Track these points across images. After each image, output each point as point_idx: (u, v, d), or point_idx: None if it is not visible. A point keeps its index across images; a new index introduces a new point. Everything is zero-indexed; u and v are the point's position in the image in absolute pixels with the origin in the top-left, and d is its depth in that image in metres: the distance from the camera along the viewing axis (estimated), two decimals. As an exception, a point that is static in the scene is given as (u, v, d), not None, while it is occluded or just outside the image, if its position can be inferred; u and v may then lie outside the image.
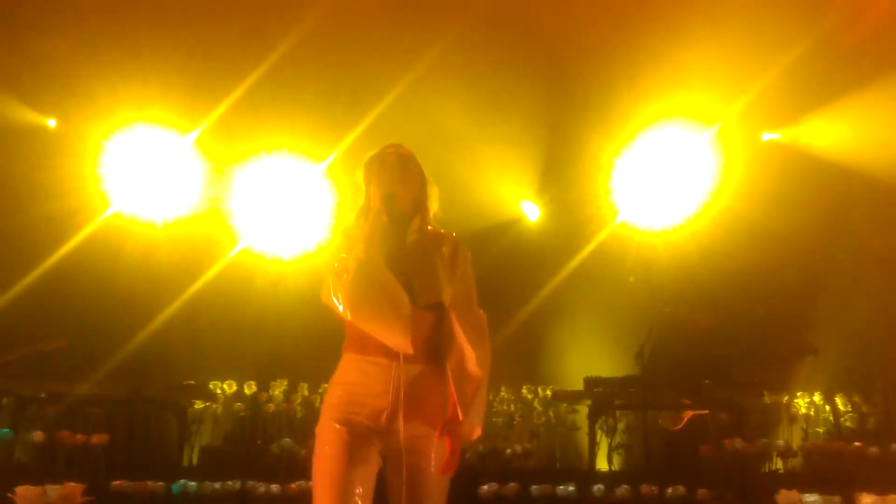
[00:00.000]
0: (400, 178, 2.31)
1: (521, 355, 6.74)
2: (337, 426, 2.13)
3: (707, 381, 5.11)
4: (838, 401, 5.92)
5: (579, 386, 5.72)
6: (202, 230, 6.93)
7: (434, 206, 2.40)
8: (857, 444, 5.16)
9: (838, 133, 6.44)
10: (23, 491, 3.66)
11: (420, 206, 2.35)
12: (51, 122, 6.88)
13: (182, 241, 6.78)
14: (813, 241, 6.39)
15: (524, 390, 6.23)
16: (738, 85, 6.45)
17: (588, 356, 6.52)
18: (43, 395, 4.63)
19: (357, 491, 2.08)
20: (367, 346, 2.16)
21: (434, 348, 2.23)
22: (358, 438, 2.11)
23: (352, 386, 2.16)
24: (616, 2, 6.15)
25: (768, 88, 6.38)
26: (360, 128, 6.12)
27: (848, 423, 5.89)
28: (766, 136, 7.01)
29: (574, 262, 6.86)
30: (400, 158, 2.37)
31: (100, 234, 6.52)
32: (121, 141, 6.85)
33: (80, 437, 4.72)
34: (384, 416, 2.12)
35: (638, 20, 6.01)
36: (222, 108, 6.40)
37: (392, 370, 2.12)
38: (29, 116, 6.65)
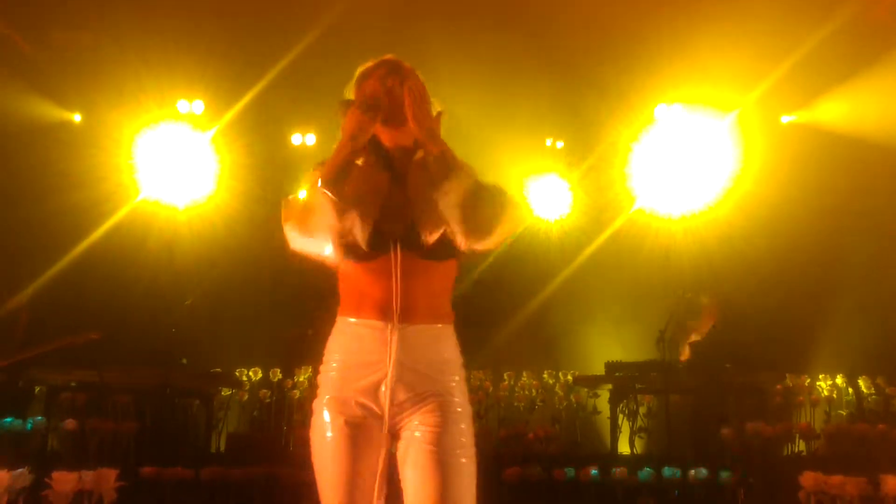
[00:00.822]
0: (387, 90, 1.93)
1: (542, 340, 6.79)
2: (333, 408, 1.90)
3: (728, 365, 5.13)
4: (861, 383, 5.89)
5: (600, 371, 5.77)
6: (224, 216, 6.98)
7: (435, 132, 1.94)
8: (881, 426, 5.08)
9: (858, 111, 6.39)
10: (59, 476, 3.74)
11: (425, 137, 1.91)
12: (76, 117, 6.98)
13: (205, 227, 6.85)
14: (835, 223, 6.36)
15: (545, 375, 6.28)
16: (756, 68, 6.42)
17: (608, 341, 6.55)
18: (73, 384, 4.71)
19: (366, 482, 1.85)
20: (361, 304, 1.89)
21: (444, 306, 1.93)
22: (358, 420, 1.87)
23: (345, 355, 1.91)
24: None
25: (787, 70, 6.35)
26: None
27: (871, 406, 5.84)
28: (786, 119, 6.97)
29: (593, 248, 6.88)
30: (393, 67, 1.97)
31: (123, 223, 6.60)
32: (147, 133, 6.88)
33: (110, 424, 4.81)
34: (381, 392, 1.85)
35: (655, 3, 6.00)
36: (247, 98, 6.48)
37: (387, 333, 1.84)
38: (54, 112, 6.74)
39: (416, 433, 1.87)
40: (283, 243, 1.87)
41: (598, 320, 6.80)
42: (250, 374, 5.99)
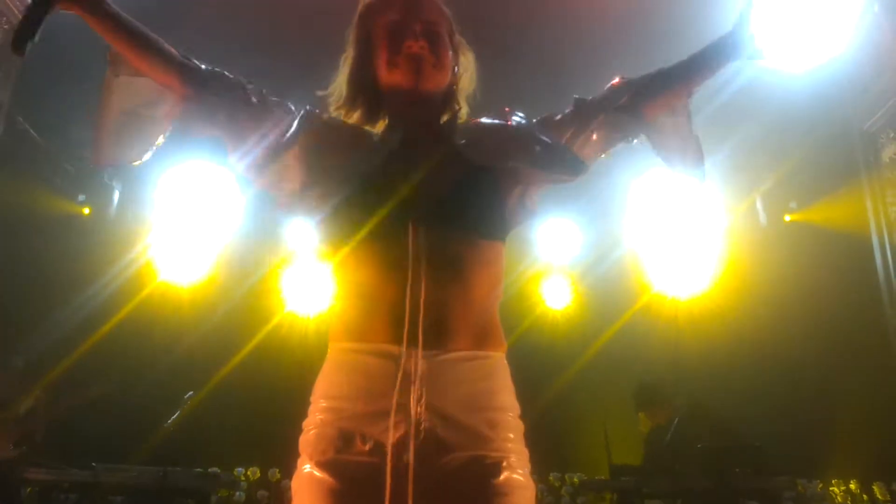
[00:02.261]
0: (421, 21, 1.54)
1: (548, 439, 6.64)
2: (318, 484, 1.31)
3: (738, 470, 5.00)
4: (876, 489, 5.73)
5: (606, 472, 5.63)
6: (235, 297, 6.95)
7: (468, 85, 1.66)
8: (897, 535, 4.97)
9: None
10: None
11: (451, 91, 1.61)
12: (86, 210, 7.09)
13: (208, 312, 6.83)
14: (846, 321, 6.28)
15: (551, 478, 6.13)
16: (760, 168, 6.50)
17: (616, 440, 6.41)
18: (66, 485, 4.64)
19: None
20: (364, 321, 1.32)
21: (493, 322, 1.39)
22: (358, 488, 1.26)
23: (341, 400, 1.32)
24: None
25: (791, 170, 6.42)
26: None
27: (888, 514, 5.69)
28: (788, 217, 6.99)
29: (603, 340, 6.80)
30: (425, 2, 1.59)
31: (131, 317, 6.61)
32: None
33: (103, 525, 4.70)
34: (399, 456, 1.24)
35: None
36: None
37: (409, 366, 1.26)
38: (64, 204, 6.84)
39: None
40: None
41: (607, 418, 6.66)
42: (248, 473, 5.88)
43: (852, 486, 5.81)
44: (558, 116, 1.61)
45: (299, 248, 6.97)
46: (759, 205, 6.94)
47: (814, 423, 5.99)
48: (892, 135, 5.72)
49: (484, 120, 1.63)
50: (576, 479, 6.02)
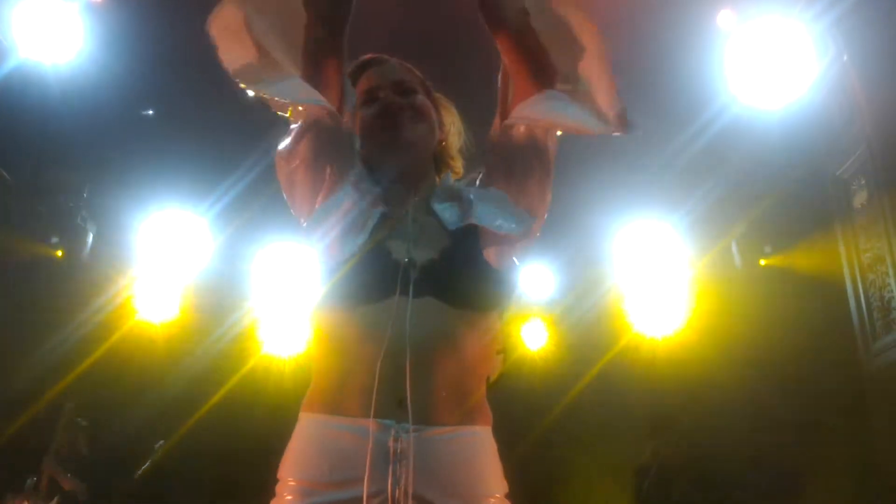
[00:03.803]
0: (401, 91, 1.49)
1: (527, 486, 6.57)
2: None
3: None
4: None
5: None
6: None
7: (457, 140, 1.60)
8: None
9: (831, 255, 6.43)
10: None
11: (440, 153, 1.56)
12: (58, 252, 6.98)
13: (185, 356, 6.73)
14: (815, 364, 6.29)
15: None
16: (735, 212, 6.55)
17: (596, 491, 6.37)
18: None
19: None
20: (343, 389, 1.22)
21: (480, 396, 1.33)
22: None
23: (311, 482, 1.21)
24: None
25: (765, 214, 6.48)
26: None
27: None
28: (763, 262, 7.03)
29: (581, 385, 6.76)
30: (394, 66, 1.57)
31: (103, 360, 6.50)
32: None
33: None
34: None
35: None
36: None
37: (387, 444, 1.17)
38: (36, 247, 6.75)
39: None
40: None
41: (586, 466, 6.63)
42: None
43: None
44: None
45: (276, 290, 6.91)
46: (734, 248, 6.98)
47: (788, 468, 5.97)
48: (862, 181, 5.79)
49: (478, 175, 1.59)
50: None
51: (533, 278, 7.28)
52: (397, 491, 1.14)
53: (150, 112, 6.29)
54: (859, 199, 5.85)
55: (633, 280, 7.07)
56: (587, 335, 7.10)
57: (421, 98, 1.50)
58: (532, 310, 7.36)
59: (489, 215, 1.36)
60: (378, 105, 1.46)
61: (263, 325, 6.94)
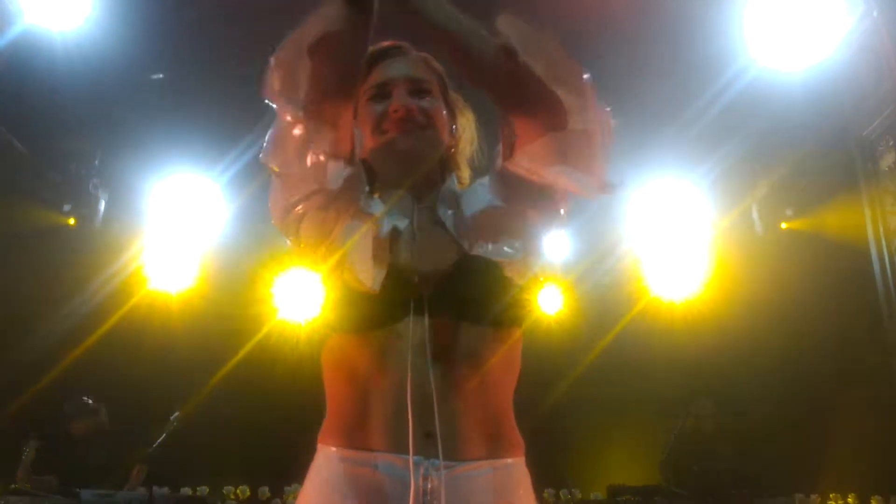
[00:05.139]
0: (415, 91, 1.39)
1: (543, 455, 6.54)
2: None
3: (734, 492, 4.92)
4: (874, 503, 5.65)
5: (603, 491, 5.54)
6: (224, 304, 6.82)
7: (468, 147, 1.51)
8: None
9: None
10: None
11: (450, 155, 1.46)
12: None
13: (199, 323, 6.71)
14: (843, 332, 6.19)
15: (545, 494, 6.03)
16: (756, 175, 6.40)
17: (614, 458, 6.33)
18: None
19: None
20: (365, 423, 1.13)
21: (511, 424, 1.26)
22: None
23: None
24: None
25: (787, 177, 6.33)
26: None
27: (885, 529, 5.59)
28: (785, 225, 6.88)
29: (599, 349, 6.69)
30: (411, 60, 1.45)
31: (118, 328, 6.48)
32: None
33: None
34: None
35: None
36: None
37: (417, 483, 1.06)
38: (50, 216, 6.71)
39: None
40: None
41: (603, 434, 6.58)
42: (237, 492, 5.77)
43: (850, 500, 5.73)
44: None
45: (290, 254, 6.83)
46: (754, 212, 6.84)
47: (811, 435, 5.91)
48: (890, 142, 5.62)
49: (484, 183, 1.49)
50: (572, 496, 5.91)
51: (548, 242, 7.15)
52: None
53: (160, 76, 6.18)
54: (886, 160, 5.68)
55: (651, 242, 6.94)
56: (604, 299, 7.00)
57: (433, 102, 1.42)
58: (547, 274, 7.25)
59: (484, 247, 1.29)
60: (387, 104, 1.38)
61: (279, 291, 6.89)
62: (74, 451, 5.51)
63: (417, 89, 1.41)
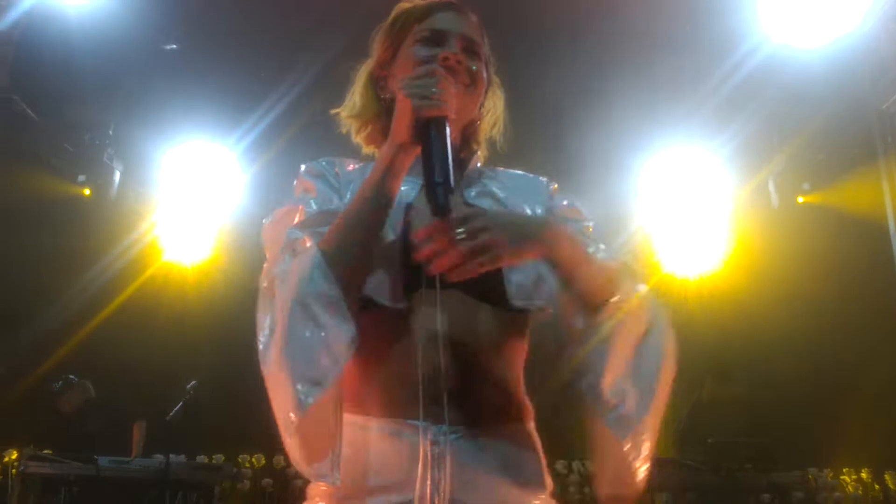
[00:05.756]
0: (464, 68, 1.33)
1: (555, 424, 6.56)
2: None
3: (748, 466, 4.92)
4: (888, 478, 5.64)
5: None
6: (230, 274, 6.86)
7: (489, 128, 1.48)
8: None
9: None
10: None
11: (474, 128, 1.43)
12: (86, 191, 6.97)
13: (213, 290, 6.74)
14: (860, 304, 6.14)
15: (558, 466, 6.06)
16: (772, 148, 6.34)
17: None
18: (72, 478, 4.60)
19: None
20: (373, 394, 1.16)
21: (520, 392, 1.29)
22: None
23: (343, 491, 1.12)
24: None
25: (804, 150, 6.27)
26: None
27: (900, 504, 5.59)
28: (801, 199, 6.82)
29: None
30: (469, 21, 1.39)
31: (134, 299, 6.52)
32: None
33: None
34: None
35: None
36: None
37: (425, 447, 1.10)
38: (64, 186, 6.73)
39: None
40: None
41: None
42: (253, 460, 5.82)
43: (864, 475, 5.72)
44: None
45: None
46: (770, 185, 6.77)
47: (825, 410, 5.90)
48: (911, 116, 5.56)
49: (512, 174, 1.48)
50: (583, 466, 5.92)
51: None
52: (437, 498, 1.08)
53: (174, 47, 6.16)
54: (906, 134, 5.62)
55: (664, 218, 6.89)
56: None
57: (480, 67, 1.37)
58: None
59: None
60: (437, 51, 1.33)
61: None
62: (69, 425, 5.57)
63: (470, 49, 1.38)
